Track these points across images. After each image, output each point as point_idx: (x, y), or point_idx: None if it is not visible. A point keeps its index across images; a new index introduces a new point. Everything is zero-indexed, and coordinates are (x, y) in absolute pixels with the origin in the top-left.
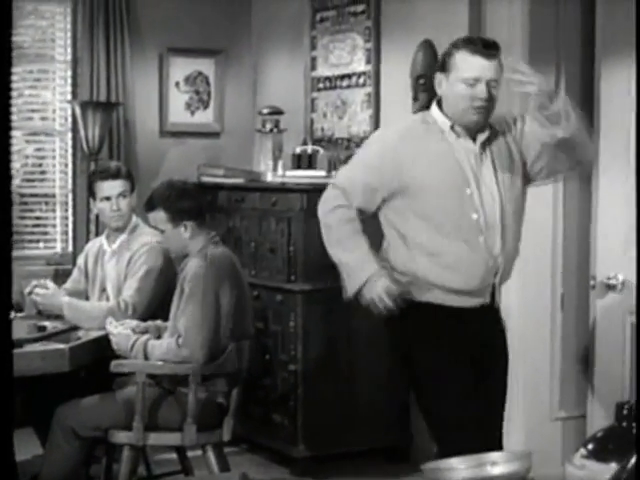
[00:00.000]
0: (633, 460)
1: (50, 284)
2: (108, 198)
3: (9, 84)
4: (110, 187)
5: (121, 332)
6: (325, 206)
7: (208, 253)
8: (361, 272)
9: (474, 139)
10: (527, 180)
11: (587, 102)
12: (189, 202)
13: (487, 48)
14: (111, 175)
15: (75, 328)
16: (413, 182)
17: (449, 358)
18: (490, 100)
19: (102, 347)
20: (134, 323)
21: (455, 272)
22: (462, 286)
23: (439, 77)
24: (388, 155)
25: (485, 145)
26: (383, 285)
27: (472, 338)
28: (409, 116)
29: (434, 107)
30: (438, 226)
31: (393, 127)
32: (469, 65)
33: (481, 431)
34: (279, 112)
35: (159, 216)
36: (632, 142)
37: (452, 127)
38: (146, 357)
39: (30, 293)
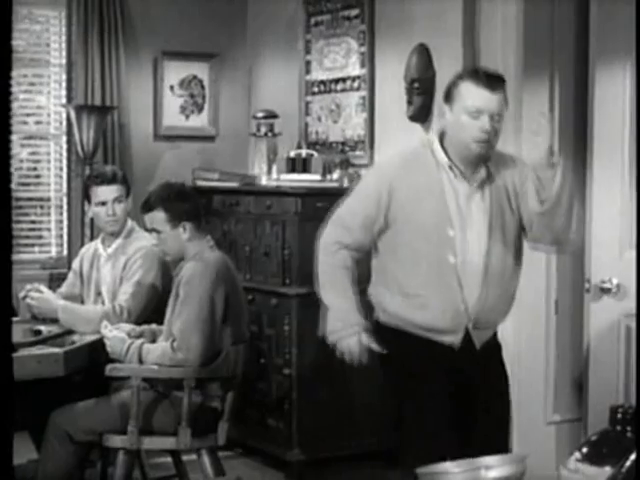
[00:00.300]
0: (627, 464)
1: (44, 288)
2: (104, 203)
3: (9, 88)
4: (106, 192)
5: (116, 335)
6: (325, 244)
7: (204, 257)
8: (341, 322)
9: (469, 180)
10: (524, 233)
11: (581, 105)
12: (188, 203)
13: (492, 81)
14: (107, 180)
15: (70, 332)
16: (400, 216)
17: (423, 390)
18: (492, 134)
19: (97, 351)
20: (129, 327)
21: (425, 311)
22: (431, 324)
23: (443, 107)
24: (384, 186)
25: (482, 187)
26: (355, 342)
27: (452, 375)
28: (412, 142)
29: (436, 141)
30: (414, 265)
31: (392, 155)
32: (473, 96)
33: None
34: (274, 116)
35: (158, 217)
36: (626, 146)
37: (450, 166)
38: (141, 361)
39: (24, 298)
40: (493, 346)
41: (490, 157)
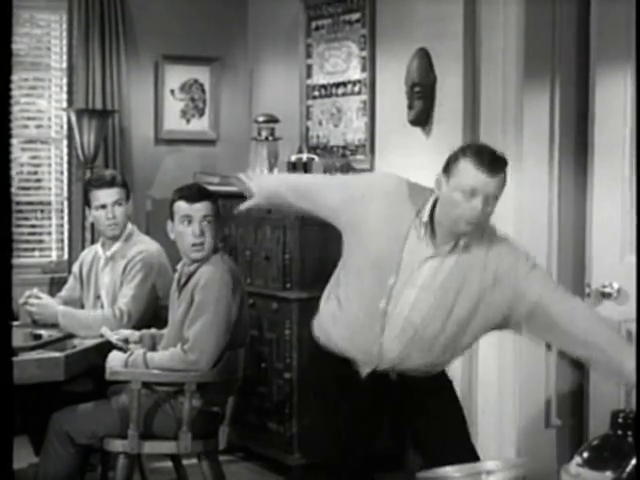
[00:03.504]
0: (628, 468)
1: (42, 294)
2: (104, 206)
3: (9, 92)
4: (105, 195)
5: (117, 354)
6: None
7: (221, 261)
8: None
9: (436, 246)
10: (501, 324)
11: (582, 108)
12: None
13: (493, 164)
14: (106, 183)
15: (71, 336)
16: (359, 230)
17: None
18: (483, 215)
19: (97, 355)
20: (128, 332)
21: (341, 333)
22: (342, 348)
23: (441, 178)
24: (365, 194)
25: (445, 255)
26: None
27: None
28: (417, 179)
29: (432, 199)
30: (354, 286)
31: (399, 178)
32: (470, 177)
33: None
34: (274, 120)
35: (210, 207)
36: (627, 151)
37: (425, 225)
38: (147, 367)
39: (24, 304)
40: (425, 383)
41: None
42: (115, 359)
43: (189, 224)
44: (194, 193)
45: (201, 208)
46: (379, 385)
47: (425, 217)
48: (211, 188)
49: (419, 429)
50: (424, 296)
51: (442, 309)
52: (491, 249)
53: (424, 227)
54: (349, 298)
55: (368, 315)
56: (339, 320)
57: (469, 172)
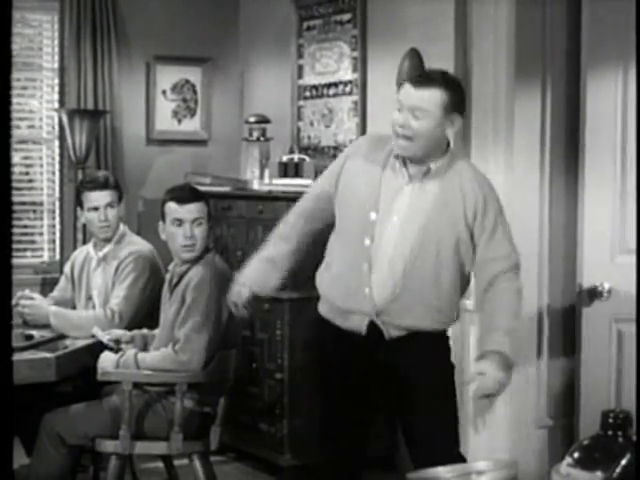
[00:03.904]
0: (618, 469)
1: (34, 295)
2: (96, 208)
3: (9, 92)
4: (98, 197)
5: (109, 355)
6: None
7: (212, 262)
8: (239, 276)
9: (410, 172)
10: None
11: (573, 109)
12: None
13: (420, 77)
14: (99, 185)
15: (62, 337)
16: (342, 191)
17: (323, 375)
18: (409, 128)
19: (89, 356)
20: (120, 332)
21: (336, 288)
22: (338, 303)
23: None
24: (341, 161)
25: (422, 181)
26: (236, 292)
27: (361, 365)
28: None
29: None
30: (341, 241)
31: (360, 138)
32: (401, 93)
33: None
34: (266, 120)
35: (201, 209)
36: (618, 151)
37: (397, 155)
38: (138, 368)
39: (16, 305)
40: (419, 346)
41: (435, 156)
42: (106, 360)
43: (180, 225)
44: (185, 194)
45: (192, 209)
46: (374, 346)
47: (395, 149)
48: (203, 188)
49: (407, 424)
50: (408, 227)
51: (428, 237)
52: (463, 177)
53: (396, 160)
54: (338, 247)
55: (355, 256)
56: (331, 277)
57: (402, 89)
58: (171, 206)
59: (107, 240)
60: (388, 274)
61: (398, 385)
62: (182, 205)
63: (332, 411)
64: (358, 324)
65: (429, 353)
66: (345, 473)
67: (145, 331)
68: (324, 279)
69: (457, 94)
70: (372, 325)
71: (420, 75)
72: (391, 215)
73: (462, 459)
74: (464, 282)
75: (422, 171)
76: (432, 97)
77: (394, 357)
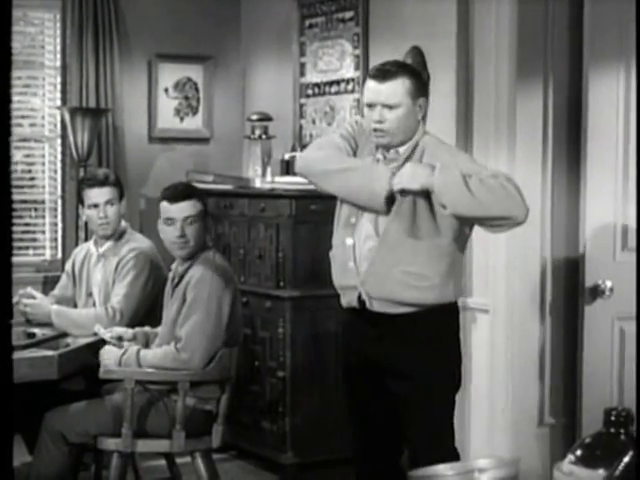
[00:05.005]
0: (621, 466)
1: (36, 293)
2: (96, 205)
3: (9, 90)
4: (98, 194)
5: (112, 350)
6: (317, 146)
7: (213, 260)
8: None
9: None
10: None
11: (575, 107)
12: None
13: (382, 71)
14: (99, 182)
15: (64, 335)
16: None
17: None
18: (386, 121)
19: (91, 354)
20: (122, 330)
21: (334, 266)
22: (337, 281)
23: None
24: (354, 129)
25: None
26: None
27: (355, 344)
28: None
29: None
30: (337, 222)
31: (345, 124)
32: (368, 90)
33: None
34: (268, 118)
35: (193, 207)
36: (620, 149)
37: (377, 147)
38: (139, 365)
39: (17, 304)
40: (406, 322)
41: (408, 139)
42: (109, 355)
43: (171, 224)
44: (176, 193)
45: (183, 208)
46: (366, 321)
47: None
48: (205, 186)
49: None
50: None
51: (404, 206)
52: (428, 148)
53: (377, 150)
54: (335, 228)
55: (344, 233)
56: (332, 251)
57: (367, 86)
58: (163, 205)
59: (107, 237)
60: (367, 246)
61: (387, 369)
62: (173, 203)
63: (356, 400)
64: (351, 299)
65: (414, 337)
66: (381, 464)
67: (147, 328)
68: (332, 263)
69: (418, 79)
70: (362, 302)
71: (379, 70)
72: None
73: (456, 454)
74: (445, 250)
75: (406, 154)
76: (398, 87)
77: (381, 337)
